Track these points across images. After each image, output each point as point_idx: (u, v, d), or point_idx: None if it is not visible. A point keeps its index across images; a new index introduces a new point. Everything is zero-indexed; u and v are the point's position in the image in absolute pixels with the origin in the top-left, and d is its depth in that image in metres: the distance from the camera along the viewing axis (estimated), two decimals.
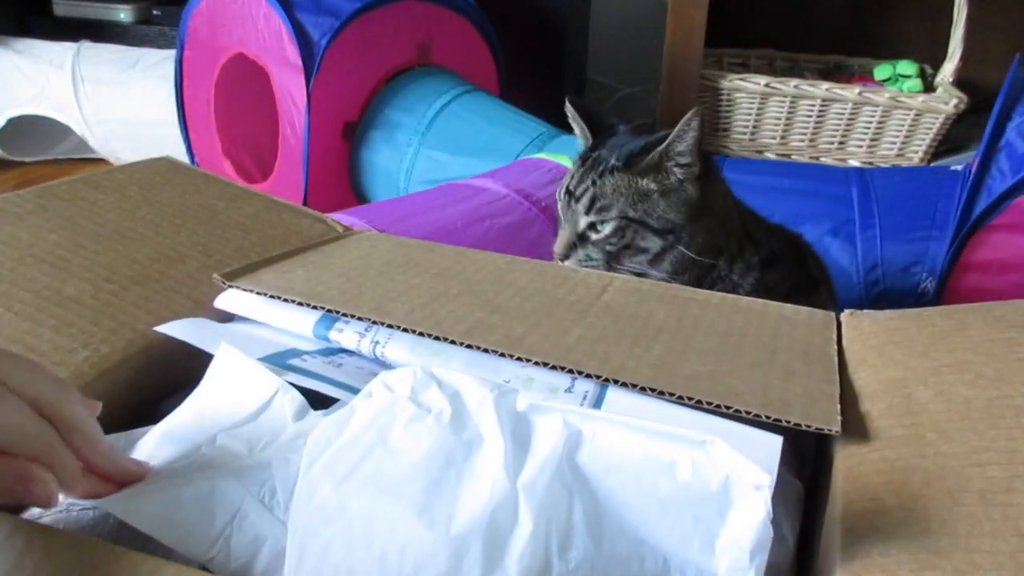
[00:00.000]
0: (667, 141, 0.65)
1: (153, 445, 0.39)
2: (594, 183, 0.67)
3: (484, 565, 0.30)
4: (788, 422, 0.37)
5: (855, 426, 0.38)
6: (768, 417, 0.37)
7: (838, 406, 0.39)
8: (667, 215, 0.66)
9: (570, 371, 0.41)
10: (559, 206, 0.71)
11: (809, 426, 0.37)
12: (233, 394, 0.41)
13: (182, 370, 0.45)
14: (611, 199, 0.67)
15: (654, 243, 0.66)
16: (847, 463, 0.36)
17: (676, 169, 0.66)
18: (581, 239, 0.68)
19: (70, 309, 0.47)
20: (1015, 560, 0.28)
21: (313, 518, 0.32)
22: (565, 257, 0.69)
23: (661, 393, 0.39)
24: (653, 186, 0.66)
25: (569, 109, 0.72)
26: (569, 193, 0.69)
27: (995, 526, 0.29)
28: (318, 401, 0.41)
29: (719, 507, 0.31)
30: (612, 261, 0.67)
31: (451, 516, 0.31)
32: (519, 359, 0.42)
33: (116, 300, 0.49)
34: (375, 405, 0.35)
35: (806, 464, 0.46)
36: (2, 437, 0.31)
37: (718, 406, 0.38)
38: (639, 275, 0.64)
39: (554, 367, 0.41)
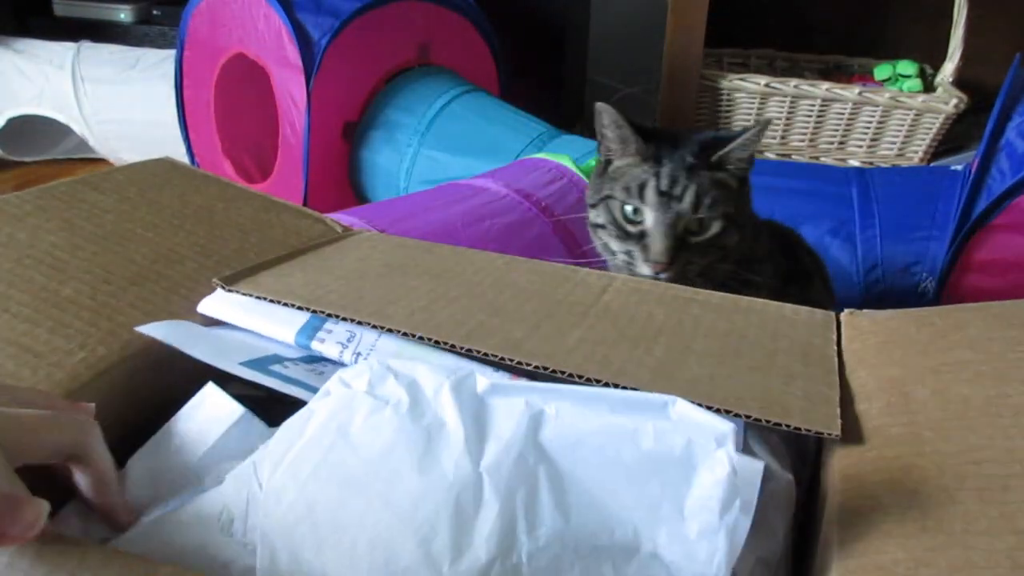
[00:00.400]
0: (739, 141, 0.65)
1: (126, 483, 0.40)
2: (690, 180, 0.64)
3: (453, 548, 0.30)
4: (788, 426, 0.37)
5: (853, 424, 0.38)
6: (768, 421, 0.37)
7: (838, 409, 0.39)
8: (741, 212, 0.67)
9: (570, 375, 0.41)
10: (649, 213, 0.65)
11: (809, 430, 0.37)
12: (199, 428, 0.41)
13: (180, 372, 0.45)
14: (712, 196, 0.64)
15: (732, 240, 0.66)
16: (844, 461, 0.36)
17: (740, 167, 0.66)
18: (683, 243, 0.65)
19: (68, 310, 0.47)
20: (1012, 558, 0.28)
21: (281, 521, 0.32)
22: (670, 264, 0.64)
23: None
24: (732, 183, 0.66)
25: (610, 112, 0.68)
26: (663, 193, 0.64)
27: (992, 524, 0.29)
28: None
29: (684, 471, 0.32)
30: (707, 264, 0.65)
31: (416, 503, 0.31)
32: (518, 363, 0.42)
33: (114, 301, 0.49)
34: (333, 402, 0.35)
35: (806, 463, 0.46)
36: None
37: (719, 410, 0.38)
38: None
39: (554, 372, 0.41)
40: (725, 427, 0.32)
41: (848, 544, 0.31)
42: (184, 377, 0.43)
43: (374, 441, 0.33)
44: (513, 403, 0.34)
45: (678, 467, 0.32)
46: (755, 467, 0.32)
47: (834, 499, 0.34)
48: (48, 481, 0.37)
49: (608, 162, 0.70)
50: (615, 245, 0.68)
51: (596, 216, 0.69)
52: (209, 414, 0.41)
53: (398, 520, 0.31)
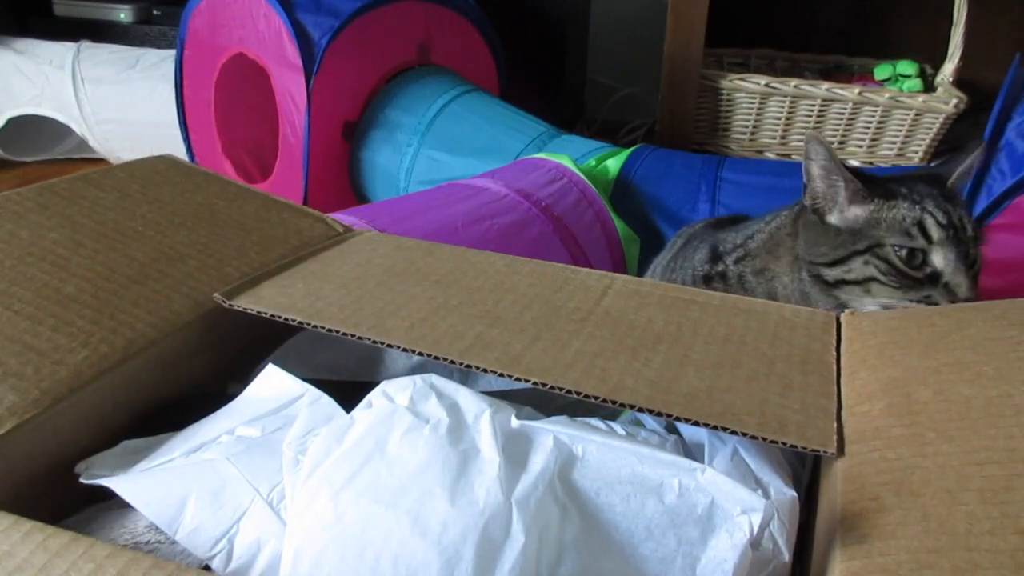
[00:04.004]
0: (964, 166, 0.65)
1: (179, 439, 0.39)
2: (955, 209, 0.62)
3: (476, 575, 0.30)
4: (784, 444, 0.37)
5: (855, 426, 0.38)
6: (764, 439, 0.37)
7: (834, 424, 0.39)
8: None
9: (568, 391, 0.41)
10: (939, 251, 0.60)
11: (805, 448, 0.37)
12: (263, 399, 0.41)
13: (183, 371, 0.45)
14: (973, 221, 0.63)
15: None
16: (847, 463, 0.36)
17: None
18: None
19: (70, 308, 0.47)
20: (1015, 559, 0.28)
21: (309, 525, 0.32)
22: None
23: (659, 414, 0.39)
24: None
25: (822, 150, 0.64)
26: (945, 227, 0.61)
27: (994, 525, 0.29)
28: None
29: (702, 530, 0.32)
30: None
31: (445, 526, 0.31)
32: (516, 379, 0.42)
33: (116, 299, 0.49)
34: (374, 415, 0.35)
35: (805, 464, 0.46)
36: None
37: (715, 427, 0.38)
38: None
39: (552, 387, 0.41)
40: (756, 501, 0.32)
41: (850, 546, 0.31)
42: (188, 377, 0.43)
43: (410, 459, 0.33)
44: (544, 439, 0.35)
45: (697, 526, 0.32)
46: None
47: (836, 500, 0.34)
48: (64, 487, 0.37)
49: (820, 214, 0.66)
50: (898, 295, 0.62)
51: (847, 272, 0.63)
52: (276, 390, 0.41)
53: (424, 541, 0.31)
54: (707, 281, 0.74)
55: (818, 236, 0.66)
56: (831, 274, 0.64)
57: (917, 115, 1.43)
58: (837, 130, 1.49)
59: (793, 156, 1.54)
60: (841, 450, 0.37)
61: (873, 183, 0.64)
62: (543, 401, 0.45)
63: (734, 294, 0.64)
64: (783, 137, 1.52)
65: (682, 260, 0.82)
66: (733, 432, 0.37)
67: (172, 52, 1.52)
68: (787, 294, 0.69)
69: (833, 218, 0.65)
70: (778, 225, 0.72)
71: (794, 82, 1.46)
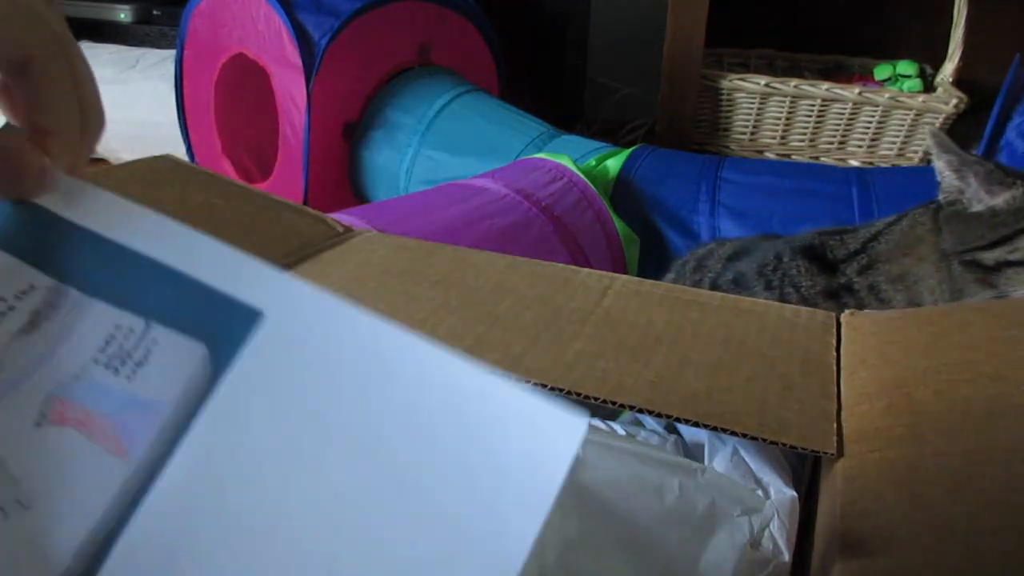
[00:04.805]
0: None
1: None
2: None
3: None
4: (785, 444, 0.37)
5: (855, 426, 0.38)
6: (764, 440, 0.37)
7: (834, 425, 0.39)
8: None
9: (568, 392, 0.41)
10: None
11: (805, 449, 0.37)
12: None
13: None
14: None
15: None
16: (847, 463, 0.36)
17: None
18: None
19: None
20: (1015, 558, 0.28)
21: None
22: None
23: (659, 415, 0.39)
24: None
25: (943, 143, 0.63)
26: None
27: (994, 525, 0.29)
28: None
29: (703, 531, 0.32)
30: None
31: None
32: (517, 380, 0.42)
33: None
34: None
35: (805, 463, 0.46)
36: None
37: (715, 428, 0.38)
38: None
39: (552, 388, 0.41)
40: (756, 501, 0.32)
41: (851, 546, 0.31)
42: None
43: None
44: None
45: (697, 527, 0.32)
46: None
47: (836, 500, 0.34)
48: None
49: (961, 206, 0.65)
50: None
51: (1012, 252, 0.61)
52: None
53: None
54: (832, 297, 0.70)
55: (969, 224, 0.64)
56: (991, 257, 0.62)
57: (917, 115, 1.43)
58: (837, 130, 1.49)
59: (793, 156, 1.54)
60: (841, 450, 0.37)
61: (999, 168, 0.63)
62: None
63: (867, 307, 0.62)
64: (783, 137, 1.52)
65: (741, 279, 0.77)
66: (733, 433, 0.37)
67: (172, 52, 1.52)
68: (935, 299, 0.66)
69: (979, 207, 0.64)
70: (911, 224, 0.70)
71: (794, 82, 1.46)
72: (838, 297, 0.70)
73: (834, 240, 0.74)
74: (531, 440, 0.24)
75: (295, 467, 0.24)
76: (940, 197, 0.66)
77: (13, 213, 0.28)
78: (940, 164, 0.64)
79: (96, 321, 0.27)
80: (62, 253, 0.28)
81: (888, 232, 0.71)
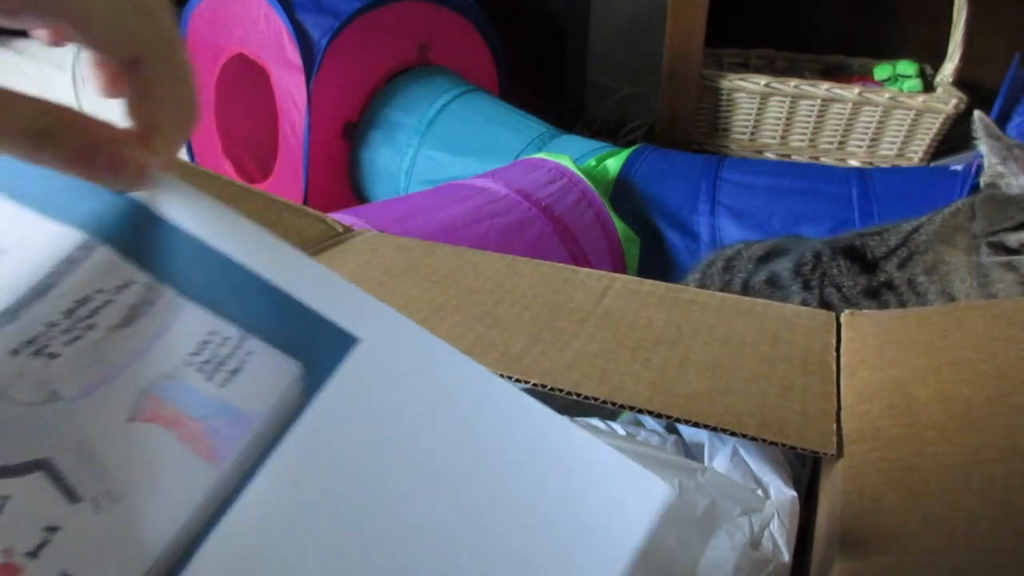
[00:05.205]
0: None
1: None
2: None
3: None
4: (785, 445, 0.37)
5: (854, 426, 0.38)
6: (764, 440, 0.37)
7: (834, 425, 0.39)
8: None
9: (568, 392, 0.41)
10: None
11: (805, 449, 0.37)
12: None
13: None
14: None
15: None
16: (847, 463, 0.36)
17: None
18: None
19: None
20: (1015, 558, 0.28)
21: None
22: None
23: (659, 415, 0.39)
24: None
25: (984, 125, 0.63)
26: None
27: (995, 525, 0.29)
28: None
29: (703, 531, 0.32)
30: None
31: None
32: (516, 380, 0.42)
33: None
34: None
35: (805, 463, 0.46)
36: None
37: (715, 428, 0.38)
38: None
39: (552, 388, 0.41)
40: (756, 501, 0.32)
41: (851, 546, 0.31)
42: None
43: None
44: None
45: (697, 526, 0.32)
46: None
47: (836, 501, 0.34)
48: None
49: (1000, 188, 0.65)
50: None
51: None
52: None
53: None
54: (874, 295, 0.70)
55: (1001, 205, 0.64)
56: (1016, 238, 0.62)
57: (917, 115, 1.43)
58: (837, 130, 1.49)
59: (793, 156, 1.54)
60: (841, 451, 0.37)
61: None
62: (543, 401, 0.45)
63: (905, 305, 0.62)
64: (783, 137, 1.52)
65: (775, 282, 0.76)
66: (733, 433, 0.37)
67: None
68: (965, 288, 0.66)
69: (1016, 190, 0.64)
70: (953, 212, 0.70)
71: (794, 82, 1.46)
72: (879, 295, 0.69)
73: (874, 240, 0.73)
74: (614, 499, 0.24)
75: (378, 496, 0.24)
76: (981, 181, 0.66)
77: (115, 207, 0.28)
78: (983, 145, 0.64)
79: (190, 323, 0.27)
80: (159, 251, 0.28)
81: (929, 223, 0.70)
